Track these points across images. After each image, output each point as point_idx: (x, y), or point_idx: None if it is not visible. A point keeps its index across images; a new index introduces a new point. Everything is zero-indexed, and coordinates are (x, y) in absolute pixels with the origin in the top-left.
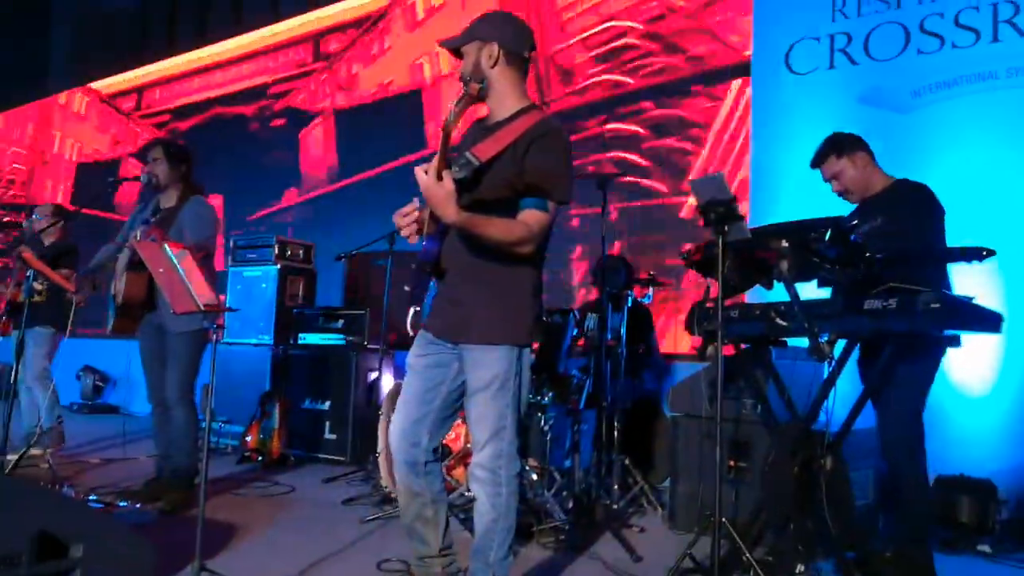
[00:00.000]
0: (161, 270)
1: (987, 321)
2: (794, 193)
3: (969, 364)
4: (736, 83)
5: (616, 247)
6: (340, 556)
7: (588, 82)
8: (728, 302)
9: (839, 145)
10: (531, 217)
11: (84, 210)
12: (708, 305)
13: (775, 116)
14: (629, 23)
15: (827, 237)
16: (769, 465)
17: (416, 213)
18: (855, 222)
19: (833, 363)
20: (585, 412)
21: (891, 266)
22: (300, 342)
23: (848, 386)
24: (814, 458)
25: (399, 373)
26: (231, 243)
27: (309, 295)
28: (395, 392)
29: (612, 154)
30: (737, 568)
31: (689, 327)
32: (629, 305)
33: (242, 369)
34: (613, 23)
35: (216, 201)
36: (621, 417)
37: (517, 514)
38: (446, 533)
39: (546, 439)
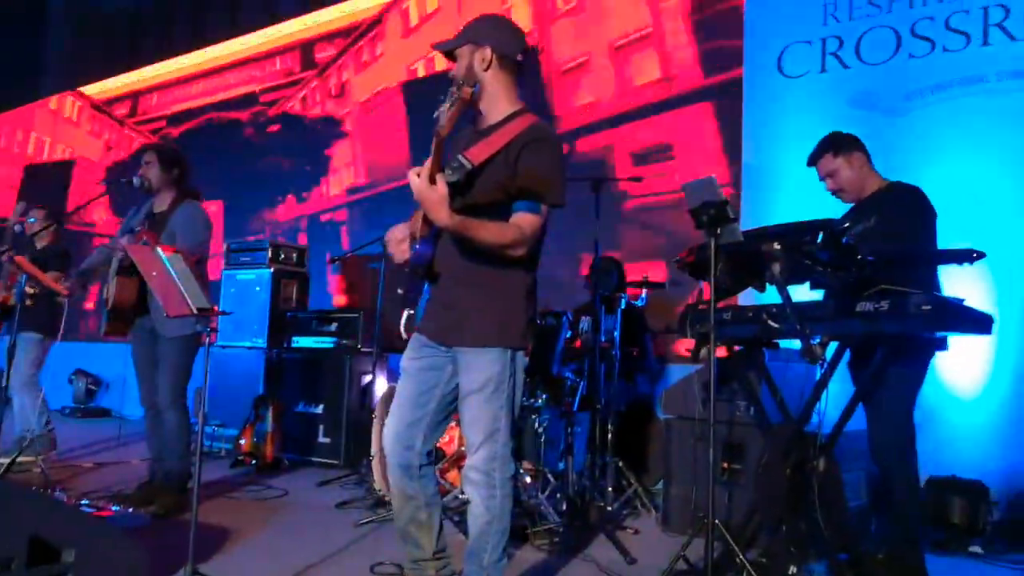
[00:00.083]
0: (154, 273)
1: (978, 323)
2: (786, 196)
3: (960, 366)
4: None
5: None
6: (334, 560)
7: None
8: (721, 304)
9: (836, 144)
10: (524, 220)
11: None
12: (701, 307)
13: (767, 119)
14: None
15: (819, 240)
16: (762, 467)
17: (407, 240)
18: (847, 224)
19: (825, 365)
20: (579, 414)
21: (883, 268)
22: (294, 345)
23: (840, 388)
24: (807, 460)
25: (393, 376)
26: (225, 247)
27: (302, 298)
28: (389, 395)
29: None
30: (731, 570)
31: (682, 329)
32: (623, 307)
33: (236, 372)
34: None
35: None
36: (615, 419)
37: (511, 516)
38: (440, 536)
39: (540, 441)
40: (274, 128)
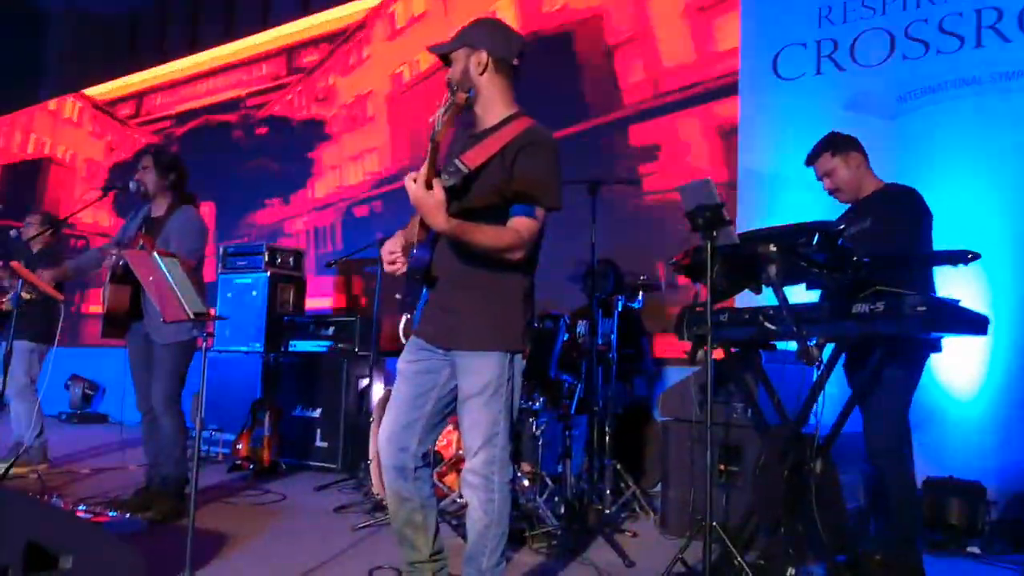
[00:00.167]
0: (151, 279)
1: (973, 324)
2: (782, 198)
3: (957, 366)
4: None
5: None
6: (332, 564)
7: None
8: (717, 306)
9: (834, 144)
10: (521, 224)
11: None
12: (697, 309)
13: (763, 121)
14: None
15: (815, 242)
16: (759, 469)
17: (401, 256)
18: (843, 226)
19: (822, 367)
20: (576, 417)
21: (878, 269)
22: (291, 349)
23: (838, 390)
24: (804, 461)
25: (390, 380)
26: (221, 250)
27: (299, 302)
28: (386, 399)
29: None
30: (729, 572)
31: (679, 331)
32: (619, 310)
33: (233, 377)
34: None
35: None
36: (612, 422)
37: (509, 520)
38: (436, 538)
39: (538, 444)
40: (262, 130)
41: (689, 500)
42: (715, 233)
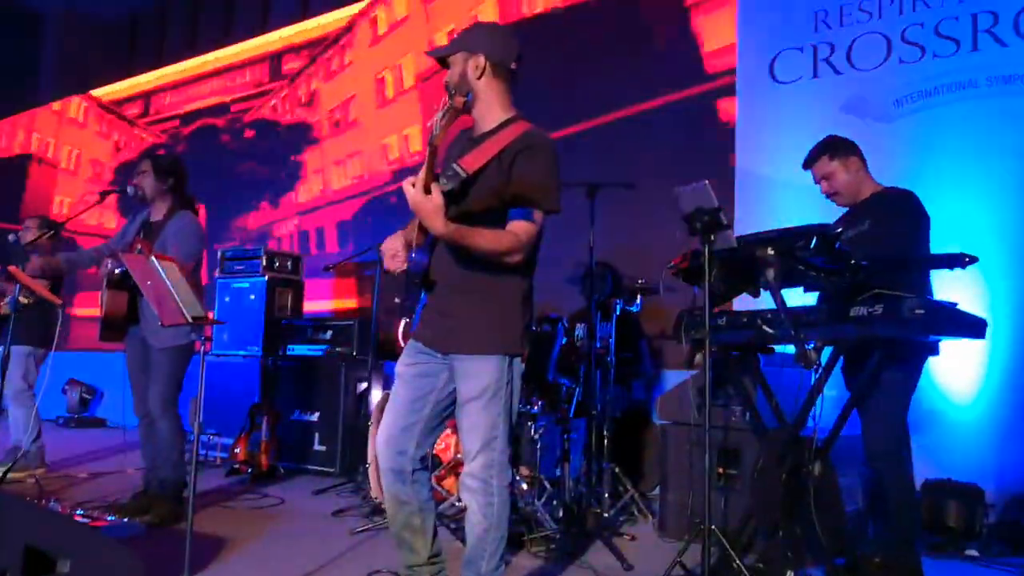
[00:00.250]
0: (149, 283)
1: (971, 327)
2: (779, 202)
3: (955, 369)
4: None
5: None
6: (330, 567)
7: None
8: (715, 310)
9: (833, 147)
10: (519, 227)
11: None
12: (695, 313)
13: (760, 125)
14: None
15: (813, 245)
16: (758, 472)
17: (402, 252)
18: (841, 229)
19: (820, 370)
20: (575, 421)
21: (876, 272)
22: (289, 353)
23: (835, 392)
24: (803, 464)
25: (388, 384)
26: (219, 254)
27: (297, 306)
28: (384, 402)
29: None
30: (727, 575)
31: (677, 335)
32: (617, 314)
33: (231, 381)
34: None
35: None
36: (611, 425)
37: (508, 523)
38: (435, 542)
39: (536, 448)
40: (250, 134)
41: (688, 503)
42: (713, 237)
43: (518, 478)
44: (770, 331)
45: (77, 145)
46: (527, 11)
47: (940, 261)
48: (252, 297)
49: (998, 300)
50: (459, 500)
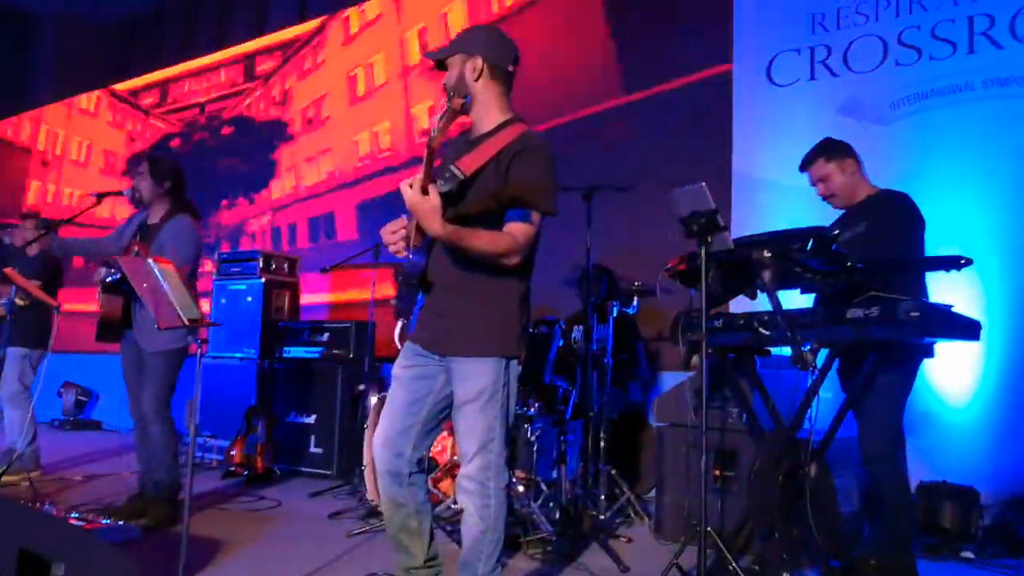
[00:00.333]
0: (145, 285)
1: (967, 329)
2: (776, 204)
3: (950, 372)
4: None
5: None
6: (326, 570)
7: None
8: (712, 312)
9: (829, 150)
10: (516, 229)
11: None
12: (692, 315)
13: (757, 127)
14: None
15: (809, 247)
16: (754, 474)
17: (403, 229)
18: (837, 231)
19: (816, 372)
20: (571, 423)
21: (872, 275)
22: (285, 356)
23: (831, 394)
24: (799, 466)
25: (385, 386)
26: (216, 256)
27: (294, 308)
28: (381, 405)
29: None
30: None
31: (673, 337)
32: (614, 316)
33: (227, 383)
34: None
35: None
36: (607, 427)
37: (505, 525)
38: (431, 544)
39: (533, 450)
40: (227, 131)
41: (684, 505)
42: (709, 239)
43: (514, 480)
44: (766, 333)
45: (88, 136)
46: (496, 9)
47: (936, 263)
48: (249, 299)
49: (993, 302)
50: (456, 502)
